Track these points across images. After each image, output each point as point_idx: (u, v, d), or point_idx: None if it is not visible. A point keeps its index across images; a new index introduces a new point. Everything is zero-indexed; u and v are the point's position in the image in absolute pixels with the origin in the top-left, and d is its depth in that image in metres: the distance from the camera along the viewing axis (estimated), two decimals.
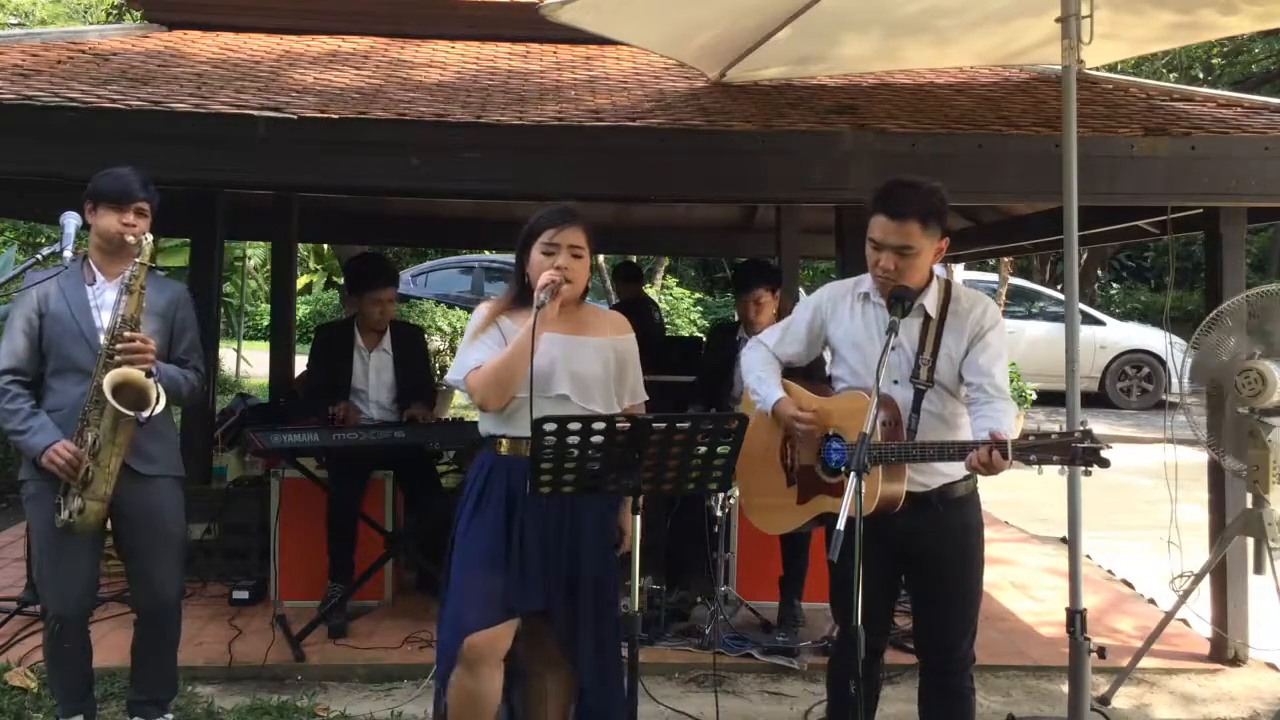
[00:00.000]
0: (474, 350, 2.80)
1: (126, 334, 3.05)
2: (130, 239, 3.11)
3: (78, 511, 3.03)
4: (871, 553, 2.50)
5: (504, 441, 2.82)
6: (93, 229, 3.19)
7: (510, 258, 3.08)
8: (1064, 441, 2.48)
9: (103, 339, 3.10)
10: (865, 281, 2.87)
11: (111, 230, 3.13)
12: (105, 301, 3.18)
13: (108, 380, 2.99)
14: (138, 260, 3.10)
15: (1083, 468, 2.52)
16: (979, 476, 2.72)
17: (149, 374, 3.06)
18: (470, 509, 2.85)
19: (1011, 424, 2.57)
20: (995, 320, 2.79)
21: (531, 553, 2.78)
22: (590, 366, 2.83)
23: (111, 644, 3.72)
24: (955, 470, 2.75)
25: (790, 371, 3.07)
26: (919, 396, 2.74)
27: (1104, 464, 2.46)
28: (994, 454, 2.48)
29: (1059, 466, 2.59)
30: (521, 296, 2.83)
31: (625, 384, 2.94)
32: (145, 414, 3.01)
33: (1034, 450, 2.50)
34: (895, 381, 2.76)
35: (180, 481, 3.34)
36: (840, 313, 2.91)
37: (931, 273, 2.81)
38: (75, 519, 3.04)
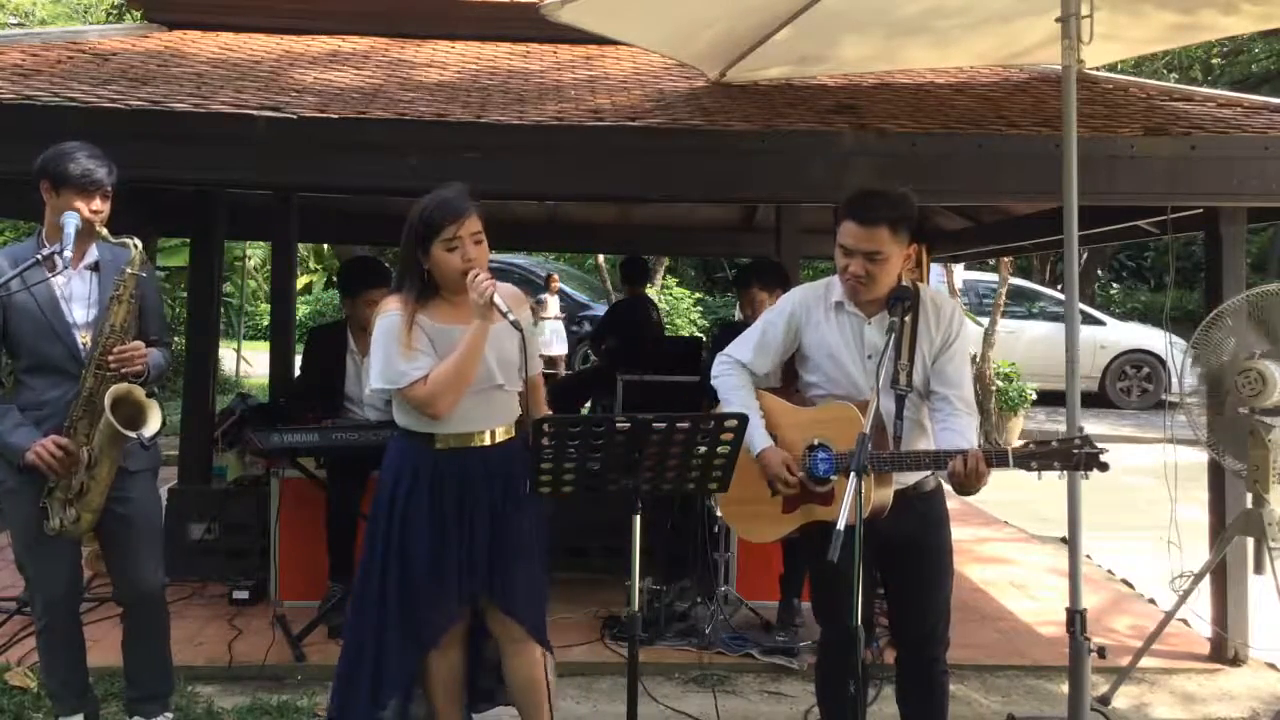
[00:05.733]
0: (408, 359, 2.75)
1: (117, 347, 2.98)
2: (99, 227, 3.00)
3: (71, 521, 3.01)
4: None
5: (442, 438, 2.82)
6: (50, 210, 3.02)
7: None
8: (1064, 449, 2.54)
9: (79, 339, 3.01)
10: (835, 289, 2.87)
11: (79, 218, 2.97)
12: (72, 292, 3.06)
13: (108, 397, 2.94)
14: (128, 270, 3.02)
15: (1083, 473, 2.58)
16: None
17: (150, 394, 3.01)
18: (406, 509, 2.82)
19: (975, 440, 2.64)
20: (962, 324, 2.85)
21: (480, 538, 2.83)
22: (510, 350, 2.85)
23: (111, 644, 3.71)
24: None
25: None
26: (900, 403, 2.76)
27: (1103, 468, 2.52)
28: (980, 463, 2.54)
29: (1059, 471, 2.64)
30: (426, 291, 2.82)
31: (530, 355, 2.91)
32: (148, 434, 2.99)
33: (1034, 458, 2.56)
34: (873, 388, 2.73)
35: (156, 472, 3.34)
36: (815, 319, 2.89)
37: (900, 279, 2.80)
38: (69, 527, 3.02)
